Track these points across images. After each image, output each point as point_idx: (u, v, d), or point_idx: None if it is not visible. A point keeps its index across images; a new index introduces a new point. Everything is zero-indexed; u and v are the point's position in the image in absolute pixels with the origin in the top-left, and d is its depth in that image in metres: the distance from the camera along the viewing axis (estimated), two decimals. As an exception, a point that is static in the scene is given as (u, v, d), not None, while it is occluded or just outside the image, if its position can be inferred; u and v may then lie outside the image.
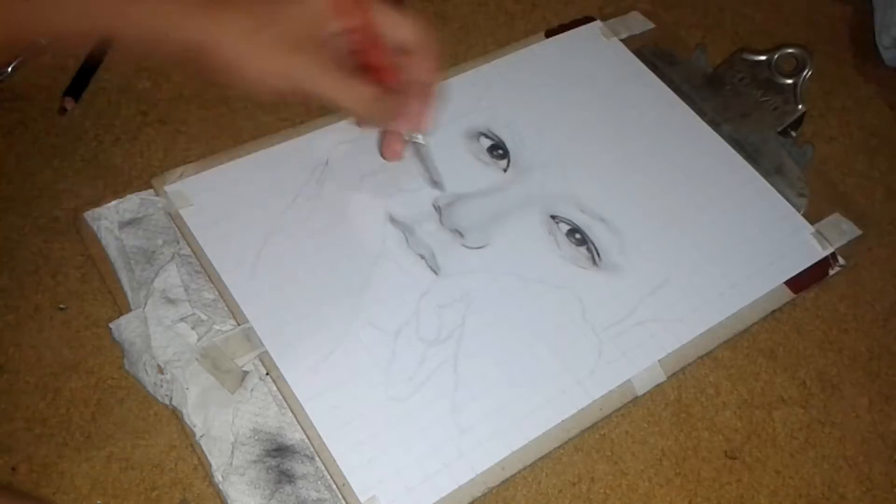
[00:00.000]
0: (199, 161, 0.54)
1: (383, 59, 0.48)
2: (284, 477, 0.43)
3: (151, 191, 0.52)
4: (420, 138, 0.52)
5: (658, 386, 0.50)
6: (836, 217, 0.59)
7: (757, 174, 0.60)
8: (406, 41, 0.48)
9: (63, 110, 0.56)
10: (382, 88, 0.48)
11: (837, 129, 0.66)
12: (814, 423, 0.51)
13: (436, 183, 0.53)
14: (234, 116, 0.58)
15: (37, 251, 0.50)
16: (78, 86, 0.57)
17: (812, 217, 0.58)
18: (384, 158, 0.54)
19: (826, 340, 0.55)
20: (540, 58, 0.64)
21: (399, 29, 0.47)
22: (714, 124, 0.62)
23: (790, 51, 0.63)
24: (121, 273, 0.49)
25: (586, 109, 0.62)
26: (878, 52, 0.70)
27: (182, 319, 0.47)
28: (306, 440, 0.45)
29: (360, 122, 0.55)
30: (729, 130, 0.62)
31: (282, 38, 0.45)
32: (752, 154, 0.61)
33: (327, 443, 0.44)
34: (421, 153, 0.53)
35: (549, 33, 0.66)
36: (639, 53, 0.66)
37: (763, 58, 0.63)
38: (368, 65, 0.48)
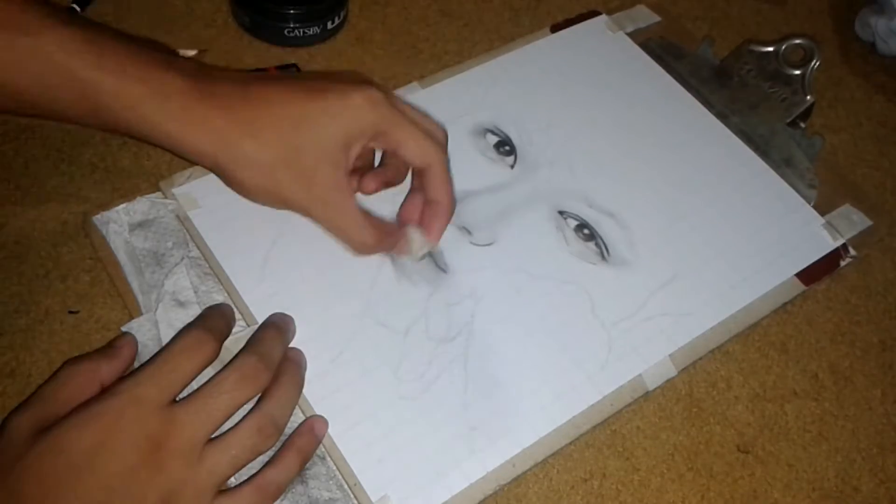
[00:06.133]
0: (206, 163, 0.54)
1: (396, 177, 0.50)
2: (296, 477, 0.43)
3: (160, 193, 0.52)
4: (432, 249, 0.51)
5: (669, 381, 0.50)
6: (846, 208, 0.59)
7: (766, 166, 0.60)
8: (423, 161, 0.48)
9: None
10: (381, 229, 0.49)
11: (846, 120, 0.66)
12: (826, 416, 0.51)
13: (440, 269, 0.52)
14: (241, 117, 0.58)
15: (46, 255, 0.50)
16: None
17: (822, 208, 0.58)
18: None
19: (838, 332, 0.54)
20: (545, 53, 0.64)
21: (419, 149, 0.47)
22: (722, 117, 0.62)
23: (797, 41, 0.62)
24: (130, 276, 0.49)
25: (593, 104, 0.61)
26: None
27: (192, 321, 0.47)
28: (317, 440, 0.45)
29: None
30: (737, 122, 0.62)
31: (301, 174, 0.45)
32: (760, 146, 0.61)
33: (338, 443, 0.44)
34: (432, 253, 0.52)
35: (555, 28, 0.66)
36: (645, 47, 0.65)
37: (770, 49, 0.63)
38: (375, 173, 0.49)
